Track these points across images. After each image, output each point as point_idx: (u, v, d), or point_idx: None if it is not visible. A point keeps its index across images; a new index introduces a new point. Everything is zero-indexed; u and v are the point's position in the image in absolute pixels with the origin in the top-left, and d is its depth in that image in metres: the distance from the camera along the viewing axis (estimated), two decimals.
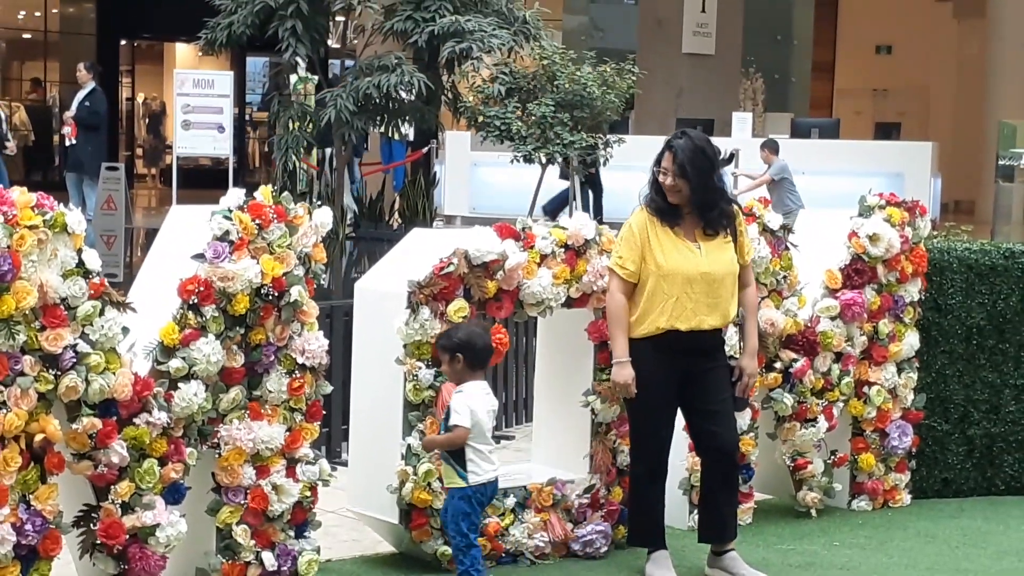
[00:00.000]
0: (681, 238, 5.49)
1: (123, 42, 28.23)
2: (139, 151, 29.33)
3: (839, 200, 8.76)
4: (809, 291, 6.55)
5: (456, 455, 5.18)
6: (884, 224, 6.65)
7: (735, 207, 5.64)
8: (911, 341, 6.80)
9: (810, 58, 27.61)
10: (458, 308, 5.51)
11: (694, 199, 5.46)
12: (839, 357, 6.59)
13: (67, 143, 15.58)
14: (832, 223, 6.76)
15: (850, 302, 6.55)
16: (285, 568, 5.18)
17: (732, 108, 20.00)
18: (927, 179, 17.84)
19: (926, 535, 6.41)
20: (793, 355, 6.43)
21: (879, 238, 6.62)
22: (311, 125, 11.08)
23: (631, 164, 15.66)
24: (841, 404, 6.63)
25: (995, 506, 6.98)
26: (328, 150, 16.81)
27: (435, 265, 5.49)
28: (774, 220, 6.40)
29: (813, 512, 6.61)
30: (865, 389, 6.69)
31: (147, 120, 29.60)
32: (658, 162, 5.54)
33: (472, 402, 5.15)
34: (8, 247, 4.46)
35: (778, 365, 6.41)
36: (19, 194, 4.58)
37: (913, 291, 6.80)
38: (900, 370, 6.79)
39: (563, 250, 5.79)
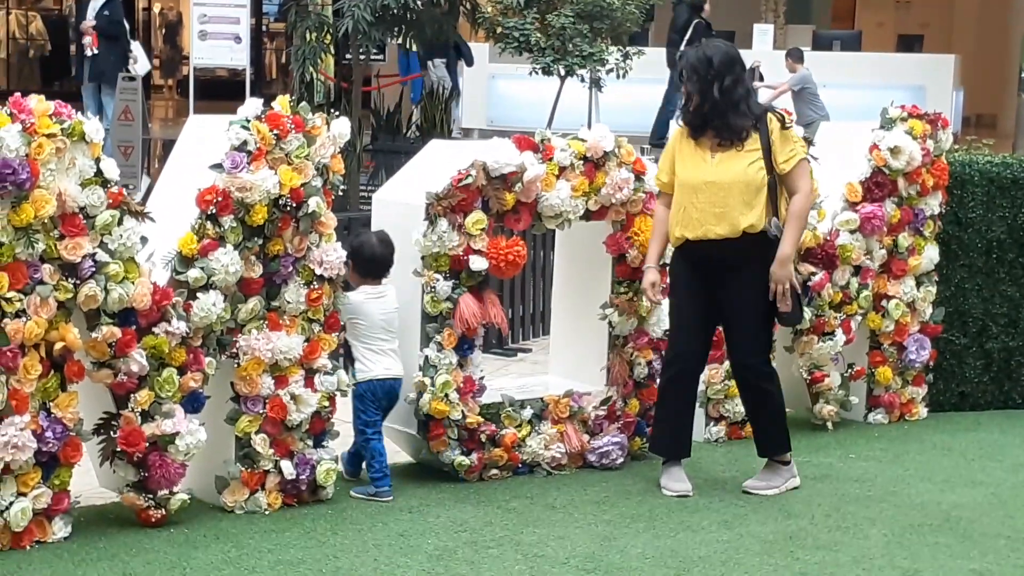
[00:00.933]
0: (703, 149, 5.51)
1: None
2: (156, 62, 29.16)
3: (860, 113, 8.67)
4: (829, 204, 6.51)
5: (348, 354, 5.45)
6: (906, 137, 6.60)
7: (771, 115, 5.57)
8: (931, 255, 6.77)
9: None
10: (476, 220, 5.50)
11: (700, 109, 5.48)
12: (858, 270, 6.57)
13: (88, 52, 15.45)
14: (853, 135, 6.71)
15: (870, 215, 6.51)
16: (304, 477, 5.22)
17: (753, 20, 19.80)
18: (949, 92, 17.67)
19: (942, 448, 6.43)
20: (812, 268, 6.42)
21: (900, 151, 6.57)
22: (328, 36, 11.00)
23: (651, 76, 15.60)
24: (859, 317, 6.62)
25: (1012, 419, 6.99)
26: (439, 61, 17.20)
27: (453, 177, 5.47)
28: (795, 132, 6.33)
29: (829, 425, 6.62)
30: (883, 303, 6.68)
31: (163, 30, 29.41)
32: None
33: (360, 300, 5.39)
34: (27, 155, 4.46)
35: (797, 278, 6.38)
36: (37, 102, 4.57)
37: (934, 204, 6.77)
38: (919, 284, 6.77)
39: (582, 162, 5.75)
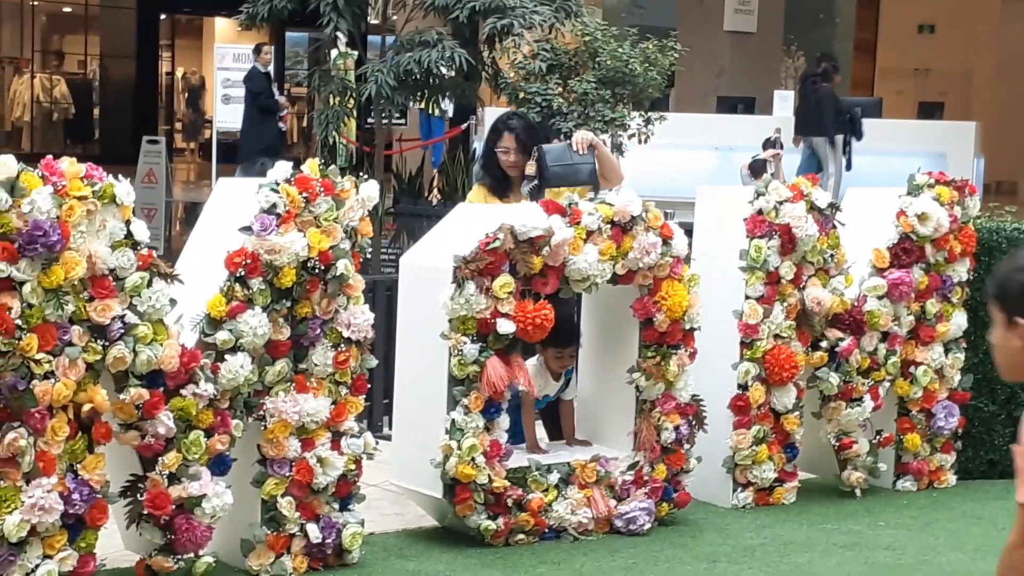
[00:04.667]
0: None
1: (163, 16, 28.30)
2: (178, 125, 29.42)
3: (882, 179, 8.69)
4: (856, 270, 6.49)
5: None
6: (933, 203, 6.59)
7: None
8: (959, 321, 6.74)
9: (852, 37, 27.37)
10: (504, 283, 5.49)
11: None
12: (886, 336, 6.53)
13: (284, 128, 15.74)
14: (880, 201, 6.70)
15: (898, 281, 6.49)
16: (329, 540, 5.18)
17: (773, 87, 19.88)
18: (970, 159, 17.67)
19: (972, 516, 6.36)
20: (839, 334, 6.38)
21: (928, 217, 6.55)
22: (351, 100, 11.05)
23: (672, 142, 15.65)
24: (887, 384, 6.57)
25: None
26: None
27: (481, 240, 5.47)
28: (822, 198, 6.34)
29: (858, 492, 6.56)
30: (911, 369, 6.63)
31: (186, 94, 29.68)
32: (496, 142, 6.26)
33: None
34: (57, 217, 4.47)
35: (824, 344, 6.36)
36: (68, 164, 4.59)
37: (961, 271, 6.74)
38: (947, 350, 6.73)
39: (609, 226, 5.75)
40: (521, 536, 5.63)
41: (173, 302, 4.78)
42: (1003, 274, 2.98)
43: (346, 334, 5.21)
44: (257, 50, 16.33)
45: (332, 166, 5.29)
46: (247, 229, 5.00)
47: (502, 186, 6.29)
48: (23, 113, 25.21)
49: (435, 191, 16.93)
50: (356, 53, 12.62)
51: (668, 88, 16.20)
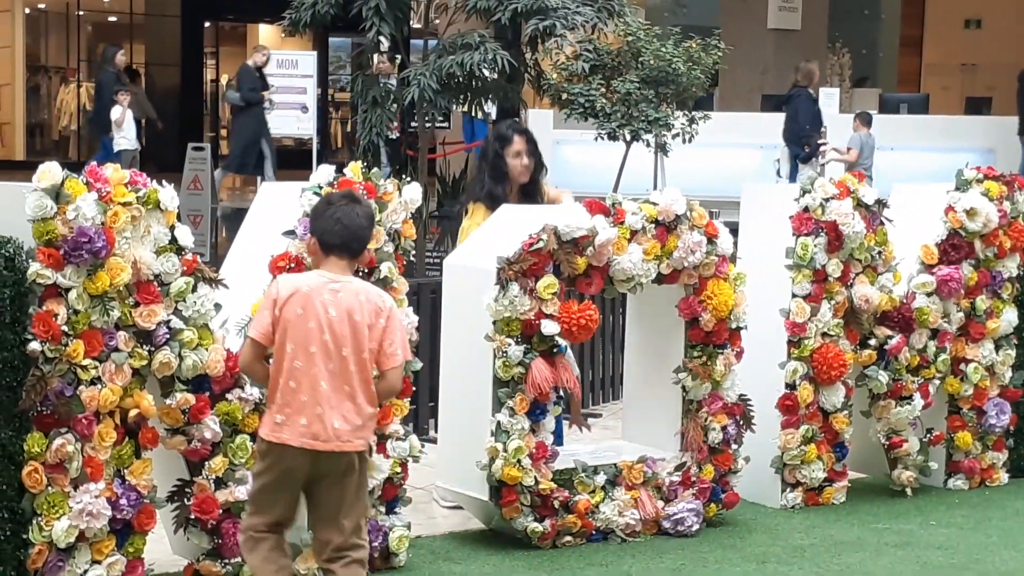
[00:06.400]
0: None
1: (207, 24, 28.45)
2: (223, 132, 29.55)
3: (929, 176, 8.61)
4: (904, 267, 6.43)
5: None
6: (982, 198, 6.51)
7: None
8: (1009, 317, 6.66)
9: (898, 33, 27.13)
10: (548, 284, 5.46)
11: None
12: (935, 334, 6.46)
13: None
14: (928, 197, 6.63)
15: (947, 278, 6.42)
16: (376, 544, 5.17)
17: (820, 84, 19.73)
18: (1020, 154, 17.47)
19: None
20: (888, 332, 6.31)
21: (977, 212, 6.48)
22: (394, 104, 11.06)
23: (716, 141, 15.57)
24: (937, 382, 6.50)
25: None
26: None
27: (524, 241, 5.45)
28: (869, 195, 6.28)
29: (908, 491, 6.49)
30: (962, 366, 6.56)
31: None
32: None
33: None
34: (102, 224, 4.48)
35: (873, 342, 6.30)
36: (112, 171, 4.61)
37: (1011, 266, 6.66)
38: (998, 347, 6.65)
39: (653, 226, 5.71)
40: (568, 538, 5.60)
41: (218, 307, 4.79)
42: None
43: None
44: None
45: (375, 169, 5.29)
46: (290, 233, 5.00)
47: (499, 205, 6.04)
48: (70, 122, 25.40)
49: None
50: (399, 57, 12.66)
51: (712, 87, 16.15)
